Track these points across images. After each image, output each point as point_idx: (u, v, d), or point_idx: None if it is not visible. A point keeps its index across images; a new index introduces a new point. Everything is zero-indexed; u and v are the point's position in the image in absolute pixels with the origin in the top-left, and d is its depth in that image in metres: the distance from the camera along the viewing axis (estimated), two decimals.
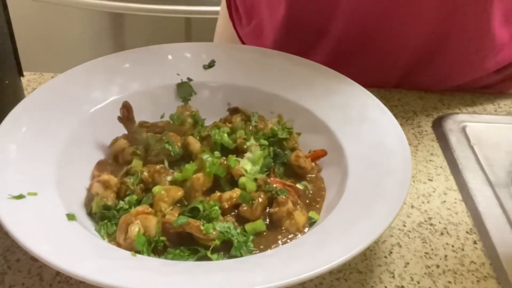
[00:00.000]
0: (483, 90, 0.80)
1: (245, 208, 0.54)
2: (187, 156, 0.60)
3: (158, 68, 0.69)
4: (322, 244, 0.48)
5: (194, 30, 1.60)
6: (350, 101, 0.64)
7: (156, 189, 0.55)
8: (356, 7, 0.72)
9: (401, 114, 0.75)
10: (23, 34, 0.81)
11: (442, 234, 0.58)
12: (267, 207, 0.55)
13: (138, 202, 0.55)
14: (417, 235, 0.57)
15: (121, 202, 0.55)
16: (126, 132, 0.63)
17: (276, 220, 0.54)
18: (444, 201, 0.62)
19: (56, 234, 0.48)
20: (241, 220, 0.54)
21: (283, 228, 0.54)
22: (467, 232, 0.58)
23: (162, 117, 0.67)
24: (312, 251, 0.48)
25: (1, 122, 0.57)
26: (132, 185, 0.56)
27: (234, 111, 0.67)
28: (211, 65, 0.70)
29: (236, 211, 0.55)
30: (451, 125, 0.72)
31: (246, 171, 0.57)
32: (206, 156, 0.57)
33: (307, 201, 0.57)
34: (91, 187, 0.57)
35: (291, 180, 0.59)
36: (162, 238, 0.51)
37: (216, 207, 0.53)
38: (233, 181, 0.57)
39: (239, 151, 0.60)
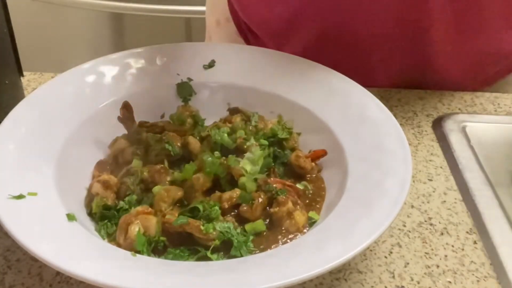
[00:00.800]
0: (482, 87, 0.80)
1: (245, 208, 0.54)
2: (187, 156, 0.60)
3: (158, 68, 0.69)
4: (322, 244, 0.48)
5: (194, 30, 1.60)
6: (350, 101, 0.64)
7: (156, 189, 0.55)
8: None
9: (401, 114, 0.75)
10: (23, 34, 0.81)
11: (442, 234, 0.58)
12: (267, 207, 0.55)
13: (138, 202, 0.55)
14: (417, 235, 0.57)
15: (121, 202, 0.55)
16: (126, 132, 0.63)
17: (276, 220, 0.54)
18: (444, 201, 0.62)
19: (56, 234, 0.48)
20: (241, 220, 0.54)
21: (283, 228, 0.54)
22: (467, 232, 0.58)
23: (162, 117, 0.67)
24: (312, 251, 0.47)
25: (1, 122, 0.57)
26: (132, 185, 0.56)
27: (234, 111, 0.67)
28: (211, 65, 0.70)
29: (236, 211, 0.55)
30: (451, 125, 0.72)
31: (246, 171, 0.57)
32: (206, 156, 0.57)
33: (307, 201, 0.57)
34: (91, 187, 0.57)
35: (291, 180, 0.59)
36: (162, 238, 0.51)
37: (216, 207, 0.53)
38: (233, 181, 0.57)
39: (239, 151, 0.60)
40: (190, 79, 0.68)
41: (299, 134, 0.64)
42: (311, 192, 0.59)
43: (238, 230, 0.52)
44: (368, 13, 0.72)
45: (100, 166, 0.60)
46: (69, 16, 1.62)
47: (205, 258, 0.50)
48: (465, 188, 0.62)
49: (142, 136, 0.62)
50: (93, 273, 0.43)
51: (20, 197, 0.50)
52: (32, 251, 0.45)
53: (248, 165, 0.57)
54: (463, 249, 0.56)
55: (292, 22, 0.77)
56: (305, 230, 0.54)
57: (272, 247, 0.52)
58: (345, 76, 0.67)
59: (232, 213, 0.55)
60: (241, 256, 0.50)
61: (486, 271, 0.54)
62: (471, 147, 0.68)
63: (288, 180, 0.59)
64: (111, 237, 0.52)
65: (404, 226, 0.58)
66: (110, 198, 0.55)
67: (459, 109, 0.77)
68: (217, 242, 0.50)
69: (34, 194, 0.51)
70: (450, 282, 0.53)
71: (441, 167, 0.66)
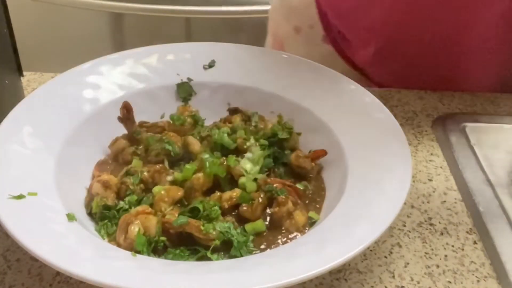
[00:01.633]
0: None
1: (245, 208, 0.54)
2: (187, 156, 0.60)
3: (158, 68, 0.69)
4: (322, 244, 0.48)
5: (194, 30, 1.60)
6: (350, 101, 0.64)
7: (156, 189, 0.55)
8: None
9: (401, 114, 0.75)
10: (23, 34, 0.81)
11: (442, 234, 0.58)
12: (267, 207, 0.55)
13: (138, 202, 0.55)
14: (417, 235, 0.57)
15: (121, 202, 0.55)
16: (126, 132, 0.63)
17: (276, 220, 0.54)
18: (444, 201, 0.62)
19: (56, 234, 0.48)
20: (241, 220, 0.54)
21: (283, 228, 0.54)
22: (467, 232, 0.58)
23: (162, 117, 0.67)
24: (312, 251, 0.47)
25: (1, 122, 0.57)
26: (132, 185, 0.56)
27: (234, 111, 0.67)
28: (211, 65, 0.70)
29: (236, 211, 0.55)
30: (451, 125, 0.72)
31: (246, 171, 0.57)
32: (206, 156, 0.57)
33: (307, 201, 0.57)
34: (91, 187, 0.57)
35: (291, 180, 0.59)
36: (162, 238, 0.51)
37: (216, 207, 0.53)
38: (233, 181, 0.57)
39: (239, 151, 0.60)
40: (190, 79, 0.68)
41: (299, 134, 0.64)
42: (311, 192, 0.59)
43: (238, 230, 0.52)
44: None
45: (100, 166, 0.61)
46: (69, 16, 1.62)
47: (205, 258, 0.50)
48: (465, 188, 0.62)
49: (142, 136, 0.62)
50: (93, 273, 0.43)
51: (20, 197, 0.50)
52: (32, 251, 0.45)
53: (248, 165, 0.57)
54: (463, 249, 0.56)
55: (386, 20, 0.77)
56: (305, 230, 0.54)
57: (272, 247, 0.52)
58: (345, 76, 0.67)
59: (232, 213, 0.55)
60: (241, 256, 0.50)
61: (486, 271, 0.54)
62: (471, 147, 0.68)
63: (288, 180, 0.59)
64: (111, 237, 0.52)
65: (404, 226, 0.58)
66: (110, 198, 0.55)
67: (459, 109, 0.77)
68: (217, 242, 0.50)
69: (34, 194, 0.51)
70: (450, 282, 0.53)
71: (441, 167, 0.66)
